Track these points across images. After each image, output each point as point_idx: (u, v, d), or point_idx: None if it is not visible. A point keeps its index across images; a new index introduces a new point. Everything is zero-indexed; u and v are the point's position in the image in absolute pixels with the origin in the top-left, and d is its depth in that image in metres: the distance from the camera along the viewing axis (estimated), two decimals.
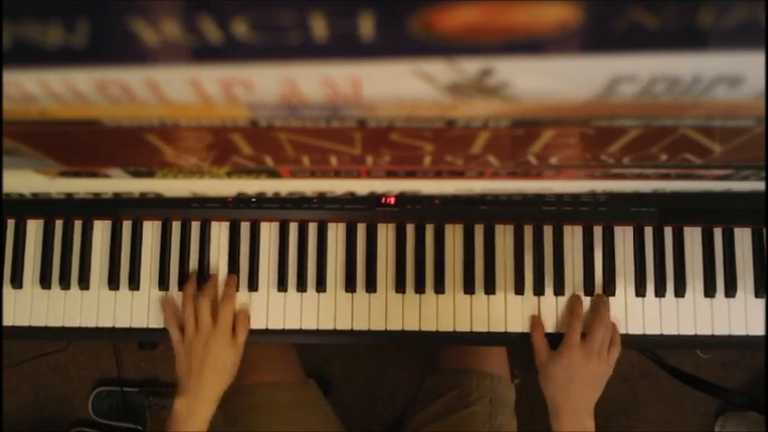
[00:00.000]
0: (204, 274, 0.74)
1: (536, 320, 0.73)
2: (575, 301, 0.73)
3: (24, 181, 0.33)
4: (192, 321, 0.70)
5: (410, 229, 0.75)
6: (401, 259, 0.74)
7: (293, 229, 0.75)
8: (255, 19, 0.17)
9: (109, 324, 0.74)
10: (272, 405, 0.81)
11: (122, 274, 0.74)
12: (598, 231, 0.75)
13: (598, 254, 0.75)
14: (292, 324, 0.74)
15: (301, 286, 0.74)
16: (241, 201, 0.74)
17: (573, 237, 0.75)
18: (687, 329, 0.73)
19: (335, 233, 0.75)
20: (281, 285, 0.74)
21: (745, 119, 0.24)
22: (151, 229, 0.75)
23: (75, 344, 1.32)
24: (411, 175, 0.34)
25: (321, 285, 0.74)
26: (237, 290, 0.74)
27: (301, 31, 0.17)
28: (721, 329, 0.73)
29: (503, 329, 0.74)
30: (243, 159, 0.30)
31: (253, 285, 0.74)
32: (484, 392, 0.83)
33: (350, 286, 0.74)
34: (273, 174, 0.33)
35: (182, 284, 0.74)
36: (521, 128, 0.25)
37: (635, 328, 0.73)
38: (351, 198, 0.74)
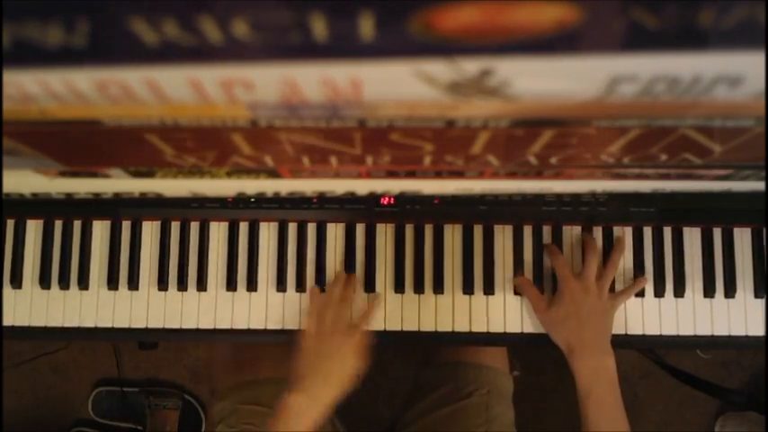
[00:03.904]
0: (204, 274, 0.74)
1: (519, 278, 0.73)
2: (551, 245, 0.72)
3: (24, 181, 0.33)
4: (317, 321, 0.69)
5: (409, 229, 0.75)
6: (400, 259, 0.74)
7: (292, 229, 0.75)
8: (255, 19, 0.17)
9: (108, 324, 0.73)
10: (271, 402, 0.81)
11: (122, 275, 0.74)
12: (597, 231, 0.75)
13: None
14: (291, 324, 0.74)
15: (300, 286, 0.74)
16: (240, 201, 0.74)
17: (572, 237, 0.74)
18: (686, 330, 0.73)
19: (335, 233, 0.75)
20: (280, 285, 0.74)
21: (745, 119, 0.24)
22: (150, 230, 0.75)
23: (75, 344, 1.32)
24: (411, 175, 0.34)
25: (320, 286, 0.74)
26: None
27: (301, 31, 0.17)
28: (721, 330, 0.73)
29: (501, 330, 0.73)
30: (243, 159, 0.30)
31: (251, 285, 0.74)
32: (481, 384, 0.82)
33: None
34: (273, 174, 0.33)
35: (181, 285, 0.73)
36: (521, 128, 0.25)
37: (634, 329, 0.73)
38: (350, 198, 0.74)
